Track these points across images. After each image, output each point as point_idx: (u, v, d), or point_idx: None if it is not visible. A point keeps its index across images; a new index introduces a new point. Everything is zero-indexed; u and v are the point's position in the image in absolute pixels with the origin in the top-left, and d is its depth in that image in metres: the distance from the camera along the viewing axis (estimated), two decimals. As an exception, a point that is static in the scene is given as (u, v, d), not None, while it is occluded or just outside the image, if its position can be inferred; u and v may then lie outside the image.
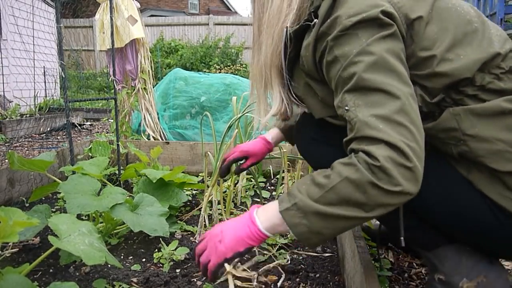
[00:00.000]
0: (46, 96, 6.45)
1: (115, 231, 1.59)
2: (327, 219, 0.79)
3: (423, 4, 0.85)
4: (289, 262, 1.36)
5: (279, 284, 1.22)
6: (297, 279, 1.25)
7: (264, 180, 2.36)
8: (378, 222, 1.48)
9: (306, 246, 1.00)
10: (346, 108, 0.81)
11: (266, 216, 0.88)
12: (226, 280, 1.23)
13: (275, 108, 1.06)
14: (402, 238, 0.91)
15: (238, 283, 1.14)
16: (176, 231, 1.62)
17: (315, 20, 0.87)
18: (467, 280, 0.89)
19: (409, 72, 0.83)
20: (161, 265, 1.36)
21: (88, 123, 5.49)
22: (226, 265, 1.26)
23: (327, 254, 1.43)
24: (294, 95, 1.05)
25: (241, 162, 1.40)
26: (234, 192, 1.98)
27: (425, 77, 0.84)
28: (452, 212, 0.87)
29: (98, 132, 4.76)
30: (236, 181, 1.99)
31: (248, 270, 1.17)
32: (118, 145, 2.24)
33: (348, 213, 0.78)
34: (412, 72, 0.84)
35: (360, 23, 0.81)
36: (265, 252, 1.44)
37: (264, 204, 0.95)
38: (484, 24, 0.88)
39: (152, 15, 14.85)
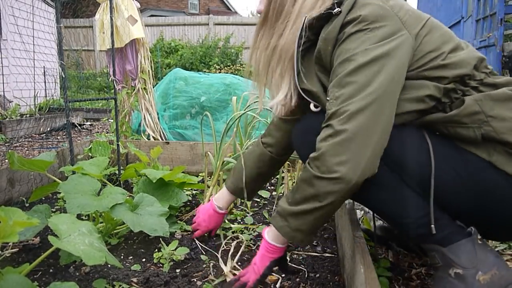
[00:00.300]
0: (46, 96, 6.45)
1: (115, 231, 1.59)
2: (298, 217, 0.99)
3: (420, 20, 0.98)
4: (289, 262, 1.36)
5: (278, 284, 1.22)
6: (297, 279, 1.25)
7: (264, 180, 2.35)
8: (378, 223, 1.48)
9: (297, 244, 1.11)
10: (328, 98, 0.97)
11: (271, 229, 1.10)
12: (225, 280, 1.24)
13: (282, 96, 1.09)
14: (432, 225, 0.94)
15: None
16: (176, 231, 1.62)
17: (338, 8, 0.95)
18: (482, 273, 0.92)
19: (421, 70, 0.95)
20: (161, 265, 1.36)
21: (88, 123, 5.49)
22: (223, 266, 1.27)
23: (327, 254, 1.43)
24: (299, 86, 1.07)
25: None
26: (234, 192, 1.98)
27: (438, 68, 0.94)
28: (478, 194, 0.93)
29: (98, 132, 4.76)
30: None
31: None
32: (118, 145, 2.24)
33: (309, 207, 0.96)
34: (425, 67, 0.94)
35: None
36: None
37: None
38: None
39: (152, 15, 14.84)
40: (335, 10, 0.95)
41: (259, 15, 1.12)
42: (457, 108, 0.93)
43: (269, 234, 1.11)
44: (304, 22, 1.00)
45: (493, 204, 0.93)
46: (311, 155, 0.95)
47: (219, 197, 1.49)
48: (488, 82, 0.95)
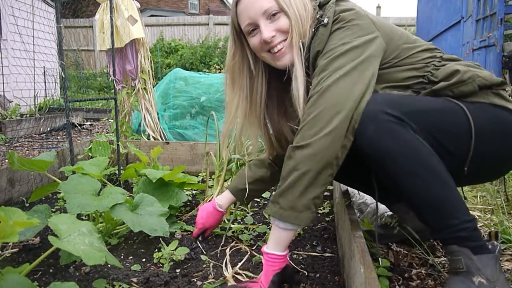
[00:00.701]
0: (46, 96, 6.46)
1: (115, 231, 1.59)
2: (285, 194, 1.05)
3: (384, 23, 1.15)
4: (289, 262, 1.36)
5: (279, 284, 1.22)
6: (297, 279, 1.25)
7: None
8: (379, 222, 1.48)
9: (296, 225, 1.08)
10: (311, 86, 1.11)
11: (269, 240, 1.13)
12: (225, 283, 1.24)
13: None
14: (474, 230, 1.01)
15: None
16: (176, 231, 1.62)
17: (326, 19, 1.09)
18: None
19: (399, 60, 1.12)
20: (161, 265, 1.36)
21: (88, 123, 5.49)
22: (225, 272, 1.27)
23: (327, 254, 1.43)
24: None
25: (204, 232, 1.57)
26: (234, 192, 1.98)
27: (410, 56, 1.12)
28: (497, 131, 1.08)
29: (98, 132, 4.76)
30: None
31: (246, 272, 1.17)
32: (118, 145, 2.24)
33: (291, 179, 1.03)
34: (399, 58, 1.12)
35: None
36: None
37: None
38: None
39: (152, 15, 14.84)
40: (324, 21, 1.09)
41: (278, 34, 1.15)
42: (448, 75, 1.09)
43: (268, 244, 1.13)
44: (305, 47, 1.14)
45: (508, 138, 1.08)
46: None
47: (221, 197, 1.55)
48: (445, 58, 1.16)
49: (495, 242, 1.03)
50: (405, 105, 1.03)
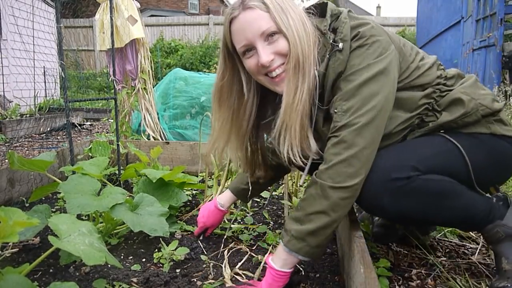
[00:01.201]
0: (46, 96, 6.46)
1: (115, 231, 1.59)
2: (316, 233, 1.03)
3: (396, 35, 1.15)
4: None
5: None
6: (297, 279, 1.25)
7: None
8: (378, 221, 1.48)
9: (315, 259, 1.19)
10: (336, 110, 1.06)
11: (277, 256, 1.10)
12: (224, 284, 1.24)
13: (314, 144, 1.13)
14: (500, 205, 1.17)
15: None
16: (176, 231, 1.62)
17: (341, 44, 1.04)
18: None
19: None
20: (161, 265, 1.36)
21: (88, 123, 5.49)
22: (224, 272, 1.27)
23: (327, 254, 1.43)
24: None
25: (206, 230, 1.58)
26: (234, 192, 1.98)
27: (419, 77, 1.12)
28: (496, 161, 1.14)
29: (98, 132, 4.76)
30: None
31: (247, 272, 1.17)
32: (118, 145, 2.24)
33: (326, 220, 1.02)
34: (410, 79, 1.12)
35: None
36: (265, 252, 1.44)
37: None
38: None
39: (152, 15, 14.83)
40: (339, 47, 1.04)
41: (276, 57, 1.07)
42: (450, 105, 1.12)
43: (276, 261, 1.09)
44: (317, 76, 1.08)
45: (504, 163, 1.16)
46: (322, 167, 1.04)
47: (222, 196, 1.55)
48: (449, 76, 1.17)
49: (499, 194, 1.20)
50: (405, 160, 1.06)
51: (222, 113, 1.21)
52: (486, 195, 1.19)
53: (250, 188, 1.46)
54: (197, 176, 2.24)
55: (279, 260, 1.09)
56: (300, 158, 1.09)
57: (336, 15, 1.11)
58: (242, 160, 1.33)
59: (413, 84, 1.11)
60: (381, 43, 1.04)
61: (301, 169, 1.32)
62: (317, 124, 1.14)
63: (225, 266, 1.32)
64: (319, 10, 1.16)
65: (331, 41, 1.07)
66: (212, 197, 1.73)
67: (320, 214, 1.02)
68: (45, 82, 6.45)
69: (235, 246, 1.49)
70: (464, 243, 1.51)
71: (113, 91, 2.34)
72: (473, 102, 1.10)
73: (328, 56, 1.07)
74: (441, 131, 1.14)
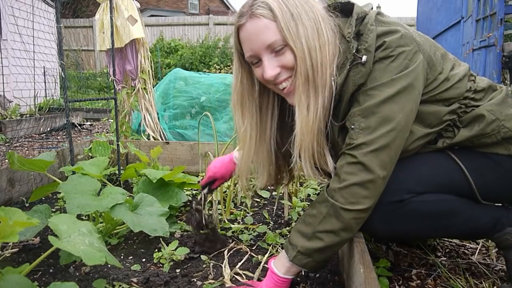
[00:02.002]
0: (46, 96, 6.46)
1: (115, 231, 1.59)
2: (324, 251, 1.02)
3: (428, 40, 1.06)
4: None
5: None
6: (297, 279, 1.25)
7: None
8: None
9: (318, 271, 1.20)
10: (353, 126, 1.01)
11: (280, 264, 1.09)
12: (224, 284, 1.24)
13: (332, 163, 1.08)
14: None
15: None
16: (176, 231, 1.62)
17: (364, 57, 0.97)
18: None
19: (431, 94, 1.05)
20: (161, 265, 1.36)
21: (88, 123, 5.49)
22: (224, 272, 1.27)
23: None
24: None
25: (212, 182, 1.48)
26: (234, 192, 1.98)
27: (447, 90, 1.05)
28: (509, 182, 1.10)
29: (98, 132, 4.76)
30: (236, 181, 1.99)
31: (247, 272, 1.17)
32: (118, 145, 2.24)
33: (337, 240, 1.01)
34: (436, 91, 1.04)
35: None
36: (265, 252, 1.44)
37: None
38: None
39: (152, 15, 14.84)
40: (363, 60, 0.97)
41: (282, 70, 1.01)
42: (472, 121, 1.07)
43: (280, 268, 1.08)
44: (334, 87, 1.01)
45: None
46: (335, 185, 0.99)
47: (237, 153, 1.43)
48: (478, 90, 1.10)
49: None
50: (401, 182, 1.04)
51: (247, 120, 1.15)
52: (496, 204, 1.15)
53: None
54: (197, 176, 2.24)
55: (283, 267, 1.07)
56: (321, 175, 1.10)
57: (362, 18, 1.01)
58: (266, 168, 1.24)
59: (439, 98, 1.04)
60: (407, 54, 0.96)
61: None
62: (332, 135, 1.08)
63: (225, 266, 1.32)
64: (344, 7, 1.07)
65: (354, 51, 0.98)
66: (212, 197, 1.73)
67: (330, 234, 1.00)
68: (45, 82, 6.45)
69: (235, 246, 1.49)
70: (464, 243, 1.51)
71: (113, 91, 2.34)
72: (495, 123, 1.05)
73: (348, 67, 0.99)
74: (455, 147, 1.10)
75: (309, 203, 1.99)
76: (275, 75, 1.00)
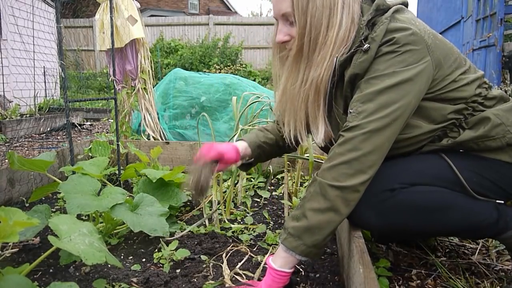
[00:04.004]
0: (46, 96, 6.46)
1: (115, 231, 1.59)
2: (313, 231, 1.01)
3: (439, 42, 1.06)
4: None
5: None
6: (297, 279, 1.25)
7: (264, 180, 2.36)
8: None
9: (313, 259, 1.17)
10: (351, 110, 1.04)
11: (276, 256, 1.08)
12: (223, 284, 1.24)
13: (323, 132, 1.14)
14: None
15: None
16: (176, 231, 1.62)
17: (367, 45, 1.01)
18: None
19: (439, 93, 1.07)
20: (161, 265, 1.36)
21: (88, 123, 5.49)
22: (223, 273, 1.26)
23: (327, 254, 1.43)
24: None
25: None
26: (234, 192, 1.98)
27: (454, 91, 1.07)
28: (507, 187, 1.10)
29: (98, 132, 4.76)
30: (236, 181, 1.99)
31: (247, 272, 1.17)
32: (118, 145, 2.24)
33: (325, 219, 1.00)
34: (443, 91, 1.06)
35: None
36: (265, 252, 1.44)
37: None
38: None
39: (152, 15, 14.84)
40: (364, 47, 1.01)
41: (283, 43, 1.11)
42: (477, 123, 1.08)
43: (276, 260, 1.08)
44: (335, 63, 1.06)
45: None
46: (325, 165, 1.03)
47: (239, 144, 1.38)
48: (489, 97, 1.11)
49: None
50: (392, 174, 1.07)
51: (277, 65, 1.21)
52: (497, 201, 1.13)
53: (264, 146, 1.38)
54: (197, 176, 2.24)
55: (278, 259, 1.07)
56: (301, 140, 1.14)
57: (383, 10, 1.05)
58: (293, 118, 1.21)
59: (444, 97, 1.07)
60: (414, 53, 0.99)
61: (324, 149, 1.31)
62: (338, 111, 1.13)
63: (225, 267, 1.32)
64: None
65: (362, 38, 1.03)
66: (212, 197, 1.73)
67: (316, 212, 1.00)
68: (45, 82, 6.45)
69: (235, 246, 1.49)
70: (464, 243, 1.51)
71: (113, 91, 2.34)
72: (501, 127, 1.06)
73: (353, 50, 1.05)
74: (460, 150, 1.10)
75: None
76: (283, 41, 1.10)
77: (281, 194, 2.13)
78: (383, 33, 1.01)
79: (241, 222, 1.74)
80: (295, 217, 1.05)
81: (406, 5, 1.11)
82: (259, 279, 1.23)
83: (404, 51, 0.98)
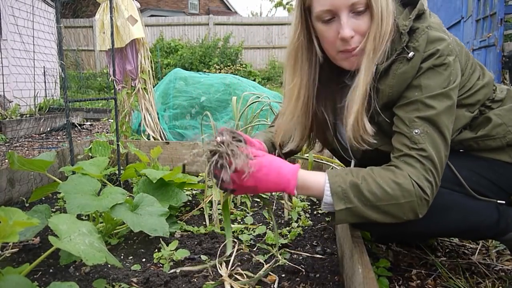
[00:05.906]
0: (46, 96, 6.45)
1: (115, 231, 1.59)
2: (366, 219, 0.97)
3: (461, 48, 1.07)
4: (289, 262, 1.36)
5: (277, 284, 1.22)
6: (297, 279, 1.25)
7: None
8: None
9: (327, 210, 1.06)
10: (416, 131, 0.98)
11: (306, 186, 1.00)
12: (223, 284, 1.24)
13: (370, 128, 1.06)
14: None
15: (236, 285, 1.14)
16: (176, 231, 1.62)
17: (412, 53, 0.98)
18: None
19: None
20: (161, 265, 1.36)
21: (88, 123, 5.49)
22: (222, 272, 1.25)
23: (327, 254, 1.43)
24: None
25: None
26: (234, 192, 1.98)
27: (470, 96, 1.09)
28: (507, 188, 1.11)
29: (98, 132, 4.76)
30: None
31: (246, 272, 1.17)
32: (118, 145, 2.24)
33: (384, 219, 0.97)
34: (462, 97, 1.07)
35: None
36: (265, 252, 1.44)
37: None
38: None
39: (152, 15, 14.84)
40: (409, 55, 0.98)
41: (356, 34, 0.99)
42: (483, 125, 1.09)
43: (300, 187, 0.98)
44: (376, 69, 1.00)
45: None
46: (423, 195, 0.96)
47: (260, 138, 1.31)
48: (496, 99, 1.13)
49: None
50: None
51: (297, 78, 1.11)
52: (498, 201, 1.12)
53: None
54: (197, 176, 2.24)
55: (304, 190, 0.99)
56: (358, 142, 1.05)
57: (419, 16, 1.01)
58: (301, 130, 1.19)
59: (464, 103, 1.08)
60: (451, 64, 0.98)
61: (345, 161, 1.27)
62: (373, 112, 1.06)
63: (225, 266, 1.32)
64: None
65: (404, 44, 0.99)
66: (212, 197, 1.73)
67: (387, 213, 0.95)
68: (45, 82, 6.44)
69: (235, 246, 1.49)
70: (464, 243, 1.51)
71: (113, 91, 2.34)
72: (501, 127, 1.07)
73: (394, 57, 1.00)
74: (460, 149, 1.11)
75: (309, 203, 1.99)
76: (352, 36, 0.97)
77: (281, 194, 2.13)
78: (425, 43, 0.98)
79: (241, 222, 1.74)
80: (357, 175, 0.98)
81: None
82: (259, 279, 1.23)
83: (448, 63, 0.98)
